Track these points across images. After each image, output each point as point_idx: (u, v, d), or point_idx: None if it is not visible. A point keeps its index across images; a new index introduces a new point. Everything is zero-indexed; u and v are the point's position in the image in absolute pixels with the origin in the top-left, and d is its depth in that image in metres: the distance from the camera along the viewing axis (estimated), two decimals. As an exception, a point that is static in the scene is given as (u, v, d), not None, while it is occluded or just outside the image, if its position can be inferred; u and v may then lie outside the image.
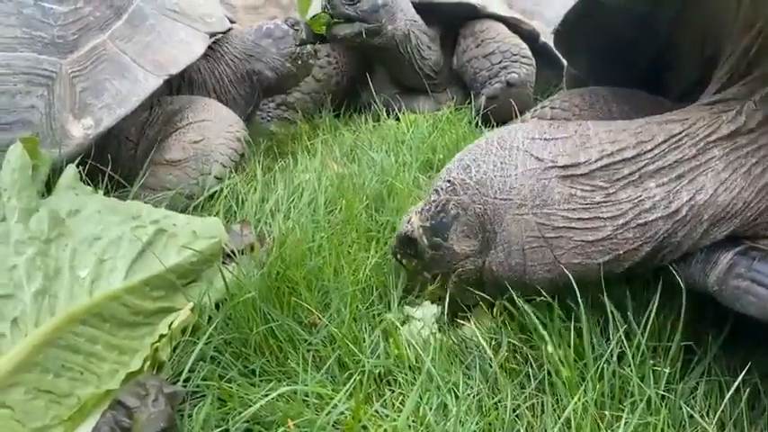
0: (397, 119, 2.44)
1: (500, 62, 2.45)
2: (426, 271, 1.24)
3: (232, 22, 2.23)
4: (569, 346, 1.09)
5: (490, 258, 1.13)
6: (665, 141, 1.08)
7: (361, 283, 1.33)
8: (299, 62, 2.25)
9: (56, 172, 1.32)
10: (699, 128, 1.09)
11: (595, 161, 1.08)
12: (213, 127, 1.82)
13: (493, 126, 2.44)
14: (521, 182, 1.08)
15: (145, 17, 1.79)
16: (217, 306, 1.19)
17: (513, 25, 2.67)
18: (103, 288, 1.05)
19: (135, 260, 1.11)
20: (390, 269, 1.39)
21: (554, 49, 2.71)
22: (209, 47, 1.97)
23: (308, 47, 2.27)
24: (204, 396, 0.99)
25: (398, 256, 1.29)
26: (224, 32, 2.08)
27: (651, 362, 1.10)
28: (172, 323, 1.07)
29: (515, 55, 2.46)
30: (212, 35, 1.96)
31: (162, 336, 1.05)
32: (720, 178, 1.06)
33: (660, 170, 1.07)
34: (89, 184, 1.33)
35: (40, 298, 0.97)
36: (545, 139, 1.13)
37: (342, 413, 0.96)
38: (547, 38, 2.73)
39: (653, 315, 1.10)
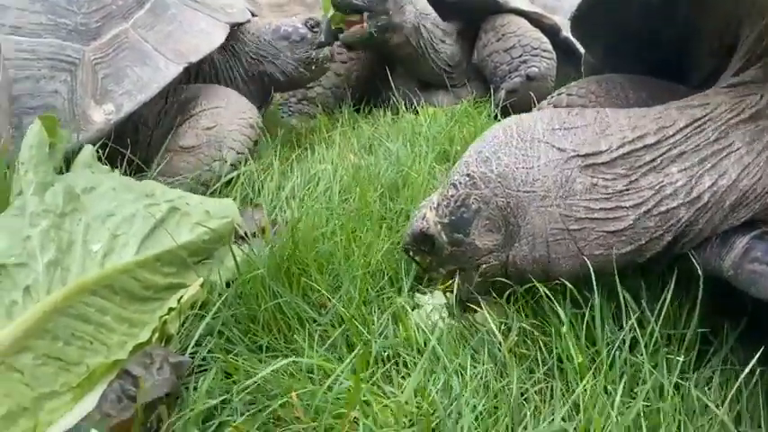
0: (416, 112, 2.43)
1: (520, 56, 2.44)
2: (442, 267, 1.22)
3: (254, 15, 2.25)
4: (581, 332, 1.08)
5: (514, 252, 1.11)
6: (687, 126, 1.06)
7: (372, 267, 1.33)
8: (313, 66, 2.25)
9: (75, 155, 1.35)
10: (721, 112, 1.06)
11: (617, 148, 1.06)
12: (226, 113, 1.83)
13: (512, 119, 2.42)
14: (544, 173, 1.06)
15: (166, 7, 1.82)
16: (227, 284, 1.20)
17: (535, 20, 2.65)
18: (115, 262, 1.06)
19: (147, 236, 1.12)
20: (402, 256, 1.39)
21: (575, 44, 2.71)
22: (226, 40, 1.99)
23: (326, 50, 2.26)
24: (210, 369, 1.00)
25: (411, 253, 1.26)
26: (244, 23, 2.10)
27: (665, 350, 1.08)
28: (181, 297, 1.08)
29: (536, 49, 2.44)
30: (233, 25, 1.98)
31: (171, 309, 1.06)
32: (743, 162, 1.03)
33: (682, 155, 1.05)
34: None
35: (53, 269, 0.99)
36: (565, 128, 1.11)
37: (345, 388, 0.95)
38: (568, 32, 2.71)
39: (667, 303, 1.08)
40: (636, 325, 1.07)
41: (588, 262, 1.06)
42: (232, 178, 1.79)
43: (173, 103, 1.87)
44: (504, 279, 1.16)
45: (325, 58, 2.28)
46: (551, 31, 2.65)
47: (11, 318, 0.91)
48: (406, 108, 2.50)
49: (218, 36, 1.88)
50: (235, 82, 2.19)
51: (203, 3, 1.91)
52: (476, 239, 1.11)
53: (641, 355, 1.05)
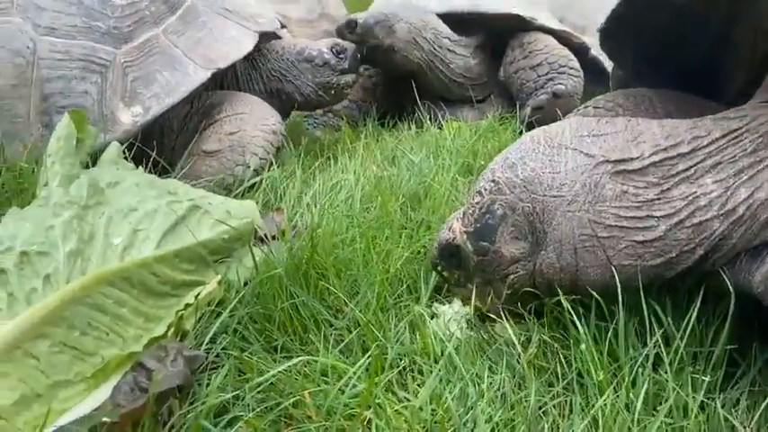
0: (440, 127, 2.43)
1: (547, 73, 2.43)
2: (470, 281, 1.17)
3: (283, 26, 2.28)
4: (603, 347, 1.05)
5: (541, 260, 1.06)
6: (723, 136, 1.03)
7: (390, 275, 1.32)
8: (333, 91, 2.25)
9: (101, 153, 1.37)
10: (759, 124, 1.03)
11: (649, 156, 1.03)
12: (250, 119, 1.85)
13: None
14: (571, 177, 1.03)
15: (198, 14, 1.86)
16: (245, 284, 1.20)
17: (564, 38, 2.65)
18: (135, 255, 1.07)
19: (168, 232, 1.13)
20: (421, 264, 1.38)
21: (604, 64, 2.69)
22: (252, 52, 2.02)
23: (348, 77, 2.27)
24: (223, 366, 0.99)
25: (439, 268, 1.22)
26: (273, 32, 2.13)
27: (690, 369, 1.05)
28: (198, 294, 1.08)
29: (563, 66, 2.43)
30: (262, 34, 2.00)
31: (188, 305, 1.06)
32: None
33: (717, 165, 1.02)
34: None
35: (73, 259, 1.00)
36: (594, 135, 1.08)
37: (359, 390, 0.94)
38: (597, 52, 2.70)
39: (693, 320, 1.04)
40: (660, 342, 1.04)
41: (616, 272, 1.02)
42: (255, 183, 1.80)
43: (198, 109, 1.90)
44: (532, 290, 1.11)
45: (346, 84, 2.29)
46: (580, 51, 2.65)
47: (30, 304, 0.92)
48: (431, 122, 2.50)
49: (247, 44, 1.91)
50: (254, 94, 2.20)
51: (234, 11, 1.95)
52: (501, 247, 1.07)
53: (665, 372, 1.02)
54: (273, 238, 1.34)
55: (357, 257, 1.33)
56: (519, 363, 1.08)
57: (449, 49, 2.62)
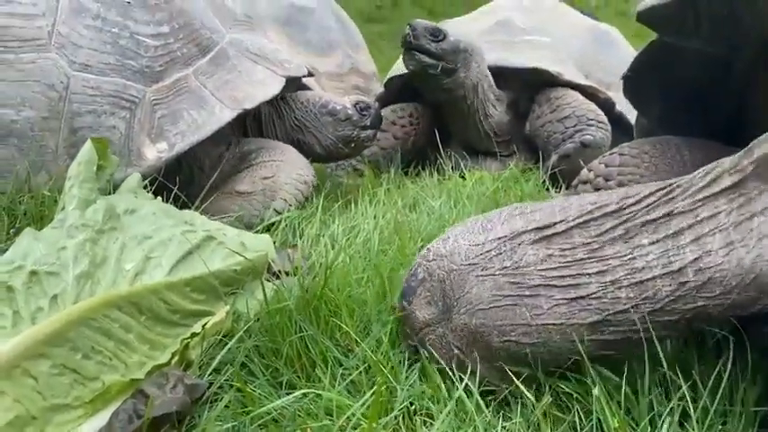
0: (463, 176, 2.43)
1: (575, 125, 2.43)
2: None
3: (310, 74, 2.33)
4: (621, 402, 0.99)
5: (453, 324, 1.04)
6: (652, 194, 0.96)
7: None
8: (353, 145, 2.29)
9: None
10: (693, 178, 0.95)
11: (573, 219, 0.99)
12: (285, 167, 1.89)
13: (560, 187, 2.38)
14: (488, 247, 1.02)
15: (227, 57, 1.91)
16: (255, 318, 1.17)
17: (590, 94, 2.66)
18: (145, 282, 1.06)
19: (180, 260, 1.12)
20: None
21: (630, 120, 2.68)
22: (276, 99, 2.06)
23: (369, 132, 2.31)
24: (225, 398, 0.96)
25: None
26: (300, 80, 2.18)
27: (720, 427, 0.98)
28: (206, 324, 1.06)
29: (591, 120, 2.43)
30: (289, 79, 2.05)
31: (194, 334, 1.03)
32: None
33: (651, 223, 0.95)
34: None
35: (83, 281, 0.99)
36: (523, 212, 1.06)
37: (363, 429, 0.89)
38: (623, 108, 2.70)
39: (720, 373, 0.98)
40: (687, 397, 0.98)
41: (546, 333, 0.96)
42: (274, 222, 1.80)
43: (234, 153, 1.94)
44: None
45: (367, 138, 2.32)
46: (606, 106, 2.65)
47: (34, 324, 0.91)
48: (453, 170, 2.50)
49: (274, 87, 1.95)
50: (276, 140, 2.24)
51: (263, 56, 2.00)
52: (416, 309, 1.09)
53: (692, 429, 0.95)
54: (287, 273, 1.33)
55: (371, 297, 1.30)
56: (533, 412, 1.03)
57: (492, 104, 2.65)
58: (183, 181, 1.83)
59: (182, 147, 1.71)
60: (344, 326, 1.19)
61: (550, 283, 0.97)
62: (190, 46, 1.83)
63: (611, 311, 0.94)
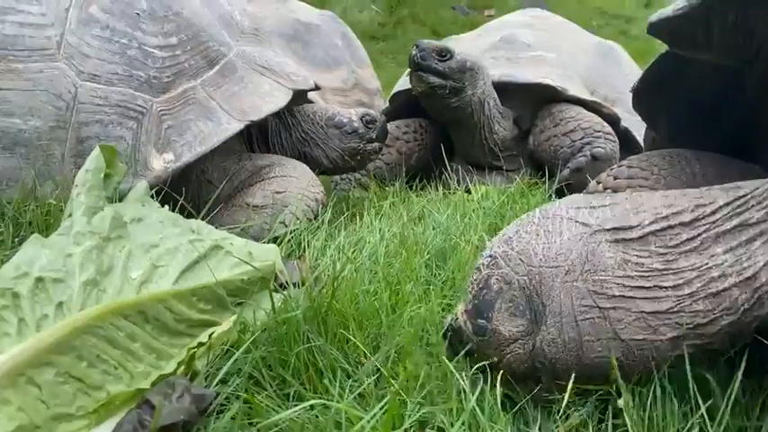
0: (468, 190, 2.42)
1: (582, 138, 2.42)
2: (478, 370, 1.06)
3: (317, 87, 2.33)
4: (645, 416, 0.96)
5: (541, 337, 0.98)
6: (727, 204, 0.96)
7: (415, 329, 1.26)
8: (358, 157, 2.29)
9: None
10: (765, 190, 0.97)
11: (648, 224, 0.97)
12: (297, 183, 1.89)
13: (567, 201, 2.37)
14: (567, 247, 0.97)
15: (235, 69, 1.91)
16: (262, 328, 1.15)
17: (595, 109, 2.66)
18: (152, 290, 1.04)
19: (187, 269, 1.10)
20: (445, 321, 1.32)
21: (636, 135, 2.68)
22: (283, 112, 2.06)
23: (375, 145, 2.31)
24: (231, 408, 0.94)
25: (451, 353, 1.11)
26: (307, 93, 2.18)
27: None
28: (212, 334, 1.04)
29: (598, 131, 2.43)
30: (296, 91, 2.05)
31: (201, 344, 1.02)
32: None
33: (725, 234, 0.95)
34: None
35: (89, 288, 0.98)
36: (591, 207, 1.03)
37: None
38: (629, 125, 2.70)
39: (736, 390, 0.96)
40: (705, 414, 0.96)
41: (630, 348, 0.93)
42: (280, 235, 1.79)
43: (243, 165, 1.94)
44: (534, 381, 1.01)
45: (372, 151, 2.32)
46: (610, 121, 2.64)
47: (39, 331, 0.89)
48: (458, 185, 2.49)
49: (281, 99, 1.95)
50: (282, 153, 2.24)
51: (270, 68, 2.00)
52: (499, 325, 0.98)
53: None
54: (294, 284, 1.31)
55: (380, 309, 1.29)
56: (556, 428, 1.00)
57: (498, 121, 2.65)
58: (191, 192, 1.83)
59: (188, 158, 1.71)
60: (353, 338, 1.17)
61: (629, 294, 0.94)
62: (197, 58, 1.83)
63: (690, 325, 0.93)
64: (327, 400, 1.01)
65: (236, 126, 1.80)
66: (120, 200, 1.31)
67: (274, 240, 1.79)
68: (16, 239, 1.38)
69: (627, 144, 2.62)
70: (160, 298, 1.03)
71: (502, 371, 1.01)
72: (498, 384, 1.00)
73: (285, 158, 2.01)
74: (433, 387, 1.08)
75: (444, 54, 2.44)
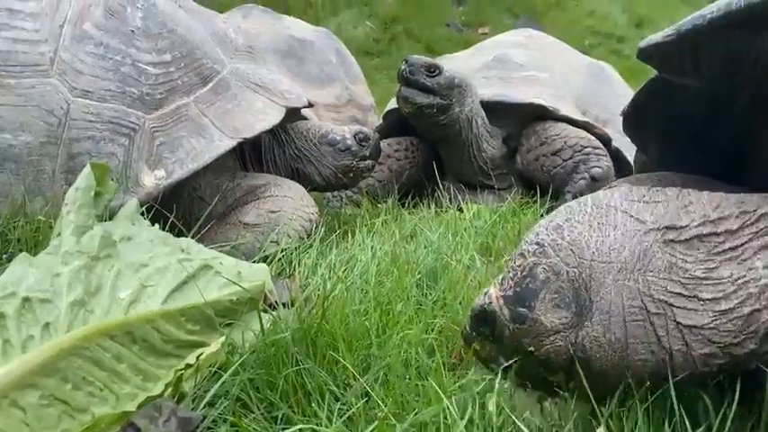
0: (460, 209, 2.42)
1: (571, 157, 2.43)
2: (504, 356, 1.04)
3: (310, 105, 2.34)
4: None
5: (584, 333, 0.95)
6: None
7: (404, 351, 1.26)
8: (351, 175, 2.29)
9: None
10: None
11: (696, 226, 0.96)
12: (292, 203, 1.90)
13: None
14: (621, 243, 0.95)
15: (228, 87, 1.92)
16: (251, 350, 1.15)
17: (586, 129, 2.67)
18: (140, 311, 1.03)
19: (176, 289, 1.10)
20: (437, 343, 1.32)
21: (627, 156, 2.70)
22: (277, 128, 2.06)
23: (368, 163, 2.31)
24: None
25: (470, 340, 1.09)
26: (300, 110, 2.19)
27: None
28: (200, 355, 1.04)
29: (586, 147, 2.44)
30: (289, 109, 2.05)
31: (188, 366, 1.01)
32: None
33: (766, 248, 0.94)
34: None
35: (76, 309, 0.97)
36: (645, 201, 1.01)
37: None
38: (620, 145, 2.71)
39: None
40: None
41: (667, 355, 0.92)
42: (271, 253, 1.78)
43: (236, 183, 1.94)
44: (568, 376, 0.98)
45: (365, 169, 2.32)
46: (601, 141, 2.66)
47: (24, 352, 0.88)
48: (450, 203, 2.50)
49: (274, 117, 1.96)
50: (276, 170, 2.24)
51: (264, 86, 2.01)
52: (541, 315, 0.96)
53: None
54: (284, 305, 1.31)
55: (370, 330, 1.28)
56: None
57: (486, 140, 2.66)
58: (182, 209, 1.82)
59: (180, 175, 1.70)
60: (343, 360, 1.16)
61: (670, 301, 0.93)
62: (191, 75, 1.84)
63: (722, 344, 0.92)
64: (316, 423, 1.01)
65: (228, 143, 1.80)
66: (111, 217, 1.31)
67: (265, 259, 1.79)
68: (4, 256, 1.36)
69: (618, 164, 2.63)
70: (148, 318, 1.03)
71: (537, 360, 0.98)
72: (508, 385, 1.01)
73: (281, 178, 2.01)
74: (422, 411, 1.08)
75: (433, 70, 2.45)
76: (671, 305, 0.93)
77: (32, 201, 1.56)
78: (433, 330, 1.40)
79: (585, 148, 2.45)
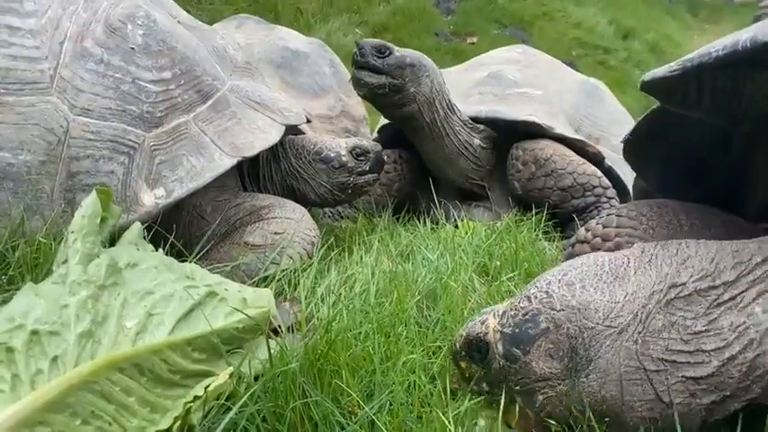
0: (456, 225, 2.43)
1: (583, 194, 2.50)
2: (486, 382, 1.12)
3: (308, 120, 2.34)
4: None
5: (581, 386, 1.01)
6: (765, 261, 1.00)
7: (407, 376, 1.26)
8: (349, 191, 2.25)
9: (121, 232, 1.36)
10: None
11: (694, 281, 1.01)
12: (296, 226, 1.89)
13: (554, 238, 2.40)
14: (626, 309, 1.00)
15: (228, 104, 1.91)
16: (256, 378, 1.14)
17: (580, 148, 2.69)
18: (147, 341, 1.03)
19: (182, 318, 1.09)
20: (440, 367, 1.32)
21: (619, 174, 2.73)
22: (276, 144, 2.05)
23: (368, 177, 2.26)
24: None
25: (458, 357, 1.17)
26: (299, 125, 2.18)
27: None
28: (208, 386, 1.03)
29: (596, 187, 2.51)
30: (288, 127, 2.05)
31: (197, 397, 1.00)
32: None
33: (765, 293, 0.98)
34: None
35: (84, 340, 0.96)
36: (650, 262, 1.06)
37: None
38: (613, 162, 2.74)
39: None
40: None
41: (669, 410, 0.96)
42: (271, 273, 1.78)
43: (243, 205, 1.93)
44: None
45: (366, 184, 2.28)
46: (595, 160, 2.69)
47: (33, 387, 0.87)
48: (446, 219, 2.51)
49: (273, 135, 1.95)
50: (272, 185, 2.22)
51: (263, 104, 2.00)
52: (532, 360, 1.02)
53: None
54: (288, 329, 1.30)
55: (373, 355, 1.28)
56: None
57: (455, 125, 2.63)
58: (182, 227, 1.81)
59: (179, 194, 1.69)
60: (347, 387, 1.16)
61: (672, 357, 0.96)
62: (191, 92, 1.83)
63: (727, 392, 0.95)
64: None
65: (228, 162, 1.79)
66: (113, 236, 1.30)
67: (264, 279, 1.78)
68: (4, 278, 1.35)
69: (610, 180, 2.66)
70: (155, 349, 1.02)
71: (536, 407, 1.03)
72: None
73: (283, 199, 2.00)
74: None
75: (384, 51, 2.43)
76: (672, 362, 0.96)
77: (31, 219, 1.54)
78: (435, 354, 1.40)
79: (595, 187, 2.48)
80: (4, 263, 1.39)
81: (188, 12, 2.16)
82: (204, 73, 1.88)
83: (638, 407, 0.97)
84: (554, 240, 2.43)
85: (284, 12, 8.52)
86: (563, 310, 1.02)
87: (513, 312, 1.06)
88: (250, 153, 1.85)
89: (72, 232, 1.10)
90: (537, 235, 2.33)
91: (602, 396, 0.98)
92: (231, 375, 1.09)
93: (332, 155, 2.22)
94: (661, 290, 1.00)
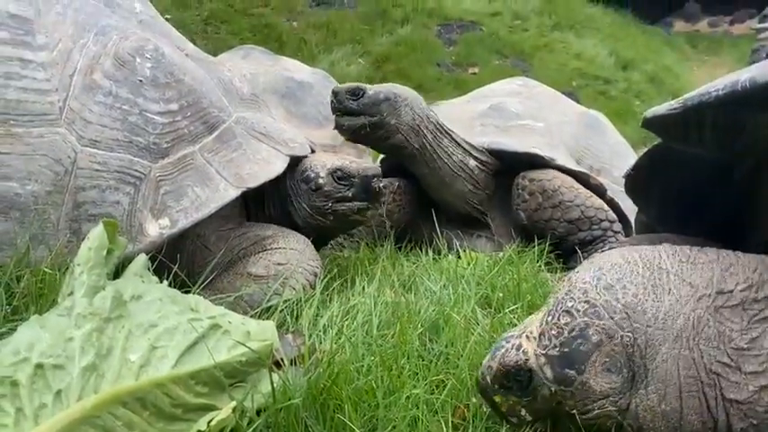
0: (458, 256, 2.44)
1: (590, 228, 2.52)
2: (531, 412, 1.02)
3: (312, 151, 2.35)
4: None
5: (638, 400, 0.94)
6: None
7: (410, 411, 1.26)
8: (331, 218, 2.10)
9: (127, 262, 1.36)
10: None
11: (741, 291, 0.96)
12: (299, 257, 1.89)
13: (556, 270, 2.40)
14: (676, 309, 0.94)
15: (233, 135, 1.93)
16: (258, 412, 1.14)
17: (582, 180, 2.71)
18: (150, 374, 1.03)
19: (186, 351, 1.09)
20: (446, 400, 1.32)
21: (621, 206, 2.74)
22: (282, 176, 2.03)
23: (352, 205, 2.10)
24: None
25: (490, 392, 1.06)
26: (304, 156, 2.19)
27: None
28: (211, 421, 1.03)
29: (603, 221, 2.53)
30: (293, 158, 2.07)
31: (199, 432, 1.00)
32: None
33: None
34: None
35: (88, 374, 0.96)
36: (692, 263, 1.01)
37: None
38: (614, 194, 2.75)
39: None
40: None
41: (716, 427, 0.92)
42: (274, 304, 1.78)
43: (246, 235, 1.94)
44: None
45: (349, 211, 2.11)
46: (597, 191, 2.70)
47: (37, 422, 0.87)
48: (449, 249, 2.51)
49: (278, 166, 1.97)
50: (275, 210, 2.20)
51: (268, 135, 2.03)
52: (590, 379, 0.94)
53: None
54: (291, 362, 1.30)
55: (376, 389, 1.28)
56: None
57: (450, 146, 2.65)
58: (186, 257, 1.82)
59: (184, 224, 1.70)
60: (350, 422, 1.16)
61: (720, 371, 0.92)
62: (197, 123, 1.85)
63: (757, 421, 0.92)
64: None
65: (233, 193, 1.80)
66: (117, 266, 1.30)
67: (267, 309, 1.78)
68: (8, 308, 1.35)
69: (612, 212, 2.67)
70: (158, 383, 1.02)
71: (577, 422, 0.96)
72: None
73: (285, 229, 2.00)
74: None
75: (357, 93, 2.48)
76: (719, 376, 0.92)
77: (36, 248, 1.55)
78: (438, 388, 1.39)
79: (603, 221, 2.50)
80: (9, 293, 1.39)
81: (194, 41, 2.20)
82: (211, 105, 1.90)
83: (695, 421, 0.92)
84: (556, 272, 2.43)
85: (289, 42, 8.66)
86: (611, 317, 0.95)
87: (555, 332, 0.97)
88: (254, 184, 1.86)
89: (78, 264, 1.11)
90: (540, 266, 2.33)
91: (661, 411, 0.93)
92: (234, 410, 1.08)
93: (311, 175, 2.08)
94: (709, 295, 0.95)
